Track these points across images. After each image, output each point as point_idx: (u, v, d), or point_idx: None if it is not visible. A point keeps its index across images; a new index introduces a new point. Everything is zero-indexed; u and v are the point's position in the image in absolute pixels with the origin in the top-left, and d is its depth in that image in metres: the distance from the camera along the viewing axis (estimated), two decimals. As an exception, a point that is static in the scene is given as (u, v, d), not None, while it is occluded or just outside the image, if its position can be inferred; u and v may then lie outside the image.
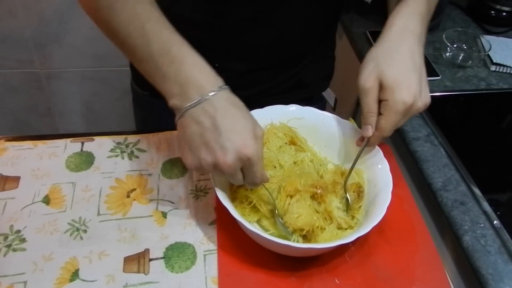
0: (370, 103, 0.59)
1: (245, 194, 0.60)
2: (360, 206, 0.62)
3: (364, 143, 0.62)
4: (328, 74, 0.91)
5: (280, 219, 0.59)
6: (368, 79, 0.58)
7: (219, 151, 0.49)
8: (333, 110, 0.96)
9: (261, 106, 0.67)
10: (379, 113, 0.59)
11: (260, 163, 0.51)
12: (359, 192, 0.62)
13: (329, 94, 0.93)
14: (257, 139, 0.51)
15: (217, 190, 0.56)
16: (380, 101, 0.59)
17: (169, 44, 0.52)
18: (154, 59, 0.52)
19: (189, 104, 0.50)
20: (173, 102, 0.52)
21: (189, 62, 0.52)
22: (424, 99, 0.59)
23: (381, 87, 0.58)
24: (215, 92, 0.50)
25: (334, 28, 0.84)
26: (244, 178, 0.53)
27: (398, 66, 0.58)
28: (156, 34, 0.52)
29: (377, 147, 0.65)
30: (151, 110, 0.89)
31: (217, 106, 0.50)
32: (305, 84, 0.85)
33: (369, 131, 0.60)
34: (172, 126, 0.77)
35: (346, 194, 0.62)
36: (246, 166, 0.51)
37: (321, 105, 0.95)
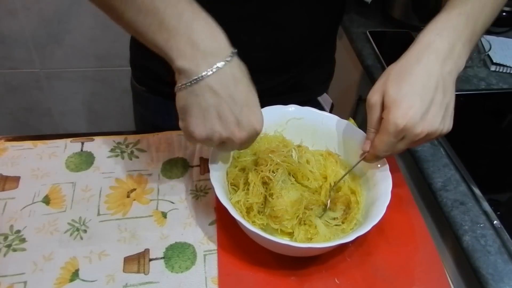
0: (372, 119, 0.58)
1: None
2: (346, 217, 0.61)
3: (361, 157, 0.62)
4: (327, 77, 0.90)
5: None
6: (373, 95, 0.57)
7: (235, 126, 0.49)
8: None
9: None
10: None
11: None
12: (347, 206, 0.62)
13: (325, 100, 0.92)
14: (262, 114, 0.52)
15: (216, 190, 0.56)
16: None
17: None
18: (159, 12, 0.46)
19: (204, 73, 0.46)
20: (182, 63, 0.47)
21: (201, 20, 0.48)
22: (427, 125, 0.53)
23: (383, 104, 0.56)
24: (230, 59, 0.48)
25: (335, 31, 0.84)
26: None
27: (403, 86, 0.53)
28: None
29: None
30: (148, 106, 0.89)
31: (233, 76, 0.48)
32: (303, 87, 0.84)
33: (367, 146, 0.60)
34: (170, 123, 0.77)
35: (327, 204, 0.61)
36: (251, 138, 0.52)
37: (319, 109, 0.94)
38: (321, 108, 0.94)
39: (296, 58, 0.79)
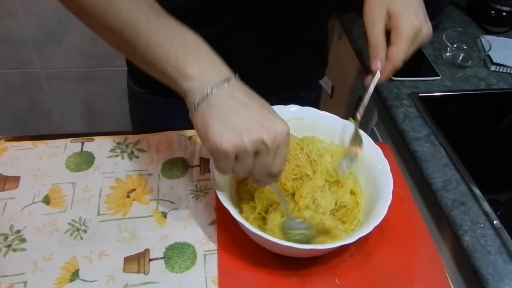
0: (378, 34, 0.60)
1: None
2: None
3: (375, 78, 0.62)
4: (323, 62, 0.91)
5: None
6: (375, 9, 0.60)
7: (259, 126, 0.47)
8: (330, 97, 0.96)
9: (264, 96, 0.67)
10: (388, 44, 0.60)
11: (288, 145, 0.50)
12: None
13: (326, 82, 0.94)
14: None
15: (217, 190, 0.56)
16: (387, 33, 0.61)
17: (179, 30, 0.50)
18: (164, 42, 0.49)
19: (216, 83, 0.48)
20: (190, 83, 0.48)
21: (205, 48, 0.50)
22: (428, 26, 0.61)
23: (389, 16, 0.60)
24: (235, 79, 0.49)
25: (329, 19, 0.85)
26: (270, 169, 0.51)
27: None
28: (163, 18, 0.50)
29: (377, 147, 0.65)
30: (148, 108, 0.88)
31: (243, 88, 0.49)
32: (303, 72, 0.85)
33: (379, 64, 0.61)
34: (170, 125, 0.77)
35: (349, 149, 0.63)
36: (280, 145, 0.49)
37: (318, 93, 0.96)
38: (321, 90, 0.95)
39: (293, 47, 0.79)
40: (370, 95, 0.63)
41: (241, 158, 0.48)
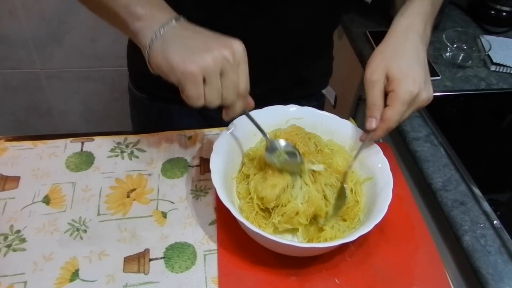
0: (376, 95, 0.61)
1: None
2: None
3: (368, 137, 0.63)
4: (327, 71, 0.91)
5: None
6: (374, 71, 0.61)
7: (219, 46, 0.50)
8: (333, 107, 0.96)
9: (266, 103, 0.67)
10: (385, 105, 0.61)
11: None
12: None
13: (329, 92, 0.94)
14: None
15: (217, 190, 0.56)
16: (386, 94, 0.61)
17: None
18: None
19: (166, 21, 0.51)
20: (141, 24, 0.51)
21: None
22: (428, 91, 0.61)
23: (388, 79, 0.61)
24: (184, 19, 0.53)
25: (334, 26, 0.85)
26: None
27: (403, 59, 0.61)
28: None
29: (377, 146, 0.65)
30: (149, 113, 0.88)
31: (192, 25, 0.52)
32: (307, 81, 0.85)
33: (373, 124, 0.61)
34: (172, 128, 0.77)
35: (344, 185, 0.62)
36: (239, 62, 0.51)
37: (321, 102, 0.95)
38: (325, 100, 0.95)
39: (297, 52, 0.79)
40: (360, 152, 0.64)
41: (209, 80, 0.50)
